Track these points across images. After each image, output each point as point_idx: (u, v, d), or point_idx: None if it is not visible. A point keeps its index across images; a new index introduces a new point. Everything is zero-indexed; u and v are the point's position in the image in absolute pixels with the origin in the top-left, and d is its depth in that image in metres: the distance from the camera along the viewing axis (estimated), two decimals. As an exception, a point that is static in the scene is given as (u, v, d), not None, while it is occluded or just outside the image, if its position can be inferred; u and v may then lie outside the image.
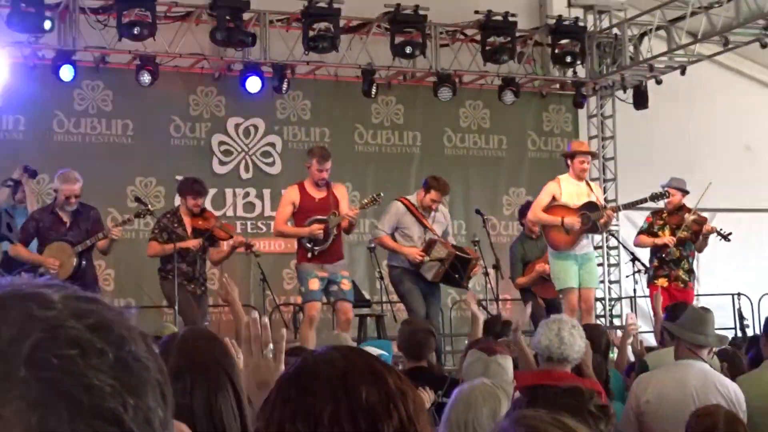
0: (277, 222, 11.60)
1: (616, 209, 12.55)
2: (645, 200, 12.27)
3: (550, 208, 11.84)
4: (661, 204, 12.87)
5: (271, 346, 3.03)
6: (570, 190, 11.88)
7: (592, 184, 12.30)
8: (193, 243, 11.33)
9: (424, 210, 11.78)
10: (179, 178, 14.30)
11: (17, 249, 10.95)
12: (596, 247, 14.64)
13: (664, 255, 12.77)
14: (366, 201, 11.61)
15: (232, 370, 3.13)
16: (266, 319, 3.13)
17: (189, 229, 11.45)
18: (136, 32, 13.25)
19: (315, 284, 11.03)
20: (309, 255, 11.20)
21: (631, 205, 12.49)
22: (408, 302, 11.64)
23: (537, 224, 12.35)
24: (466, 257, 11.83)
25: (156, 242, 11.47)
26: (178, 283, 11.19)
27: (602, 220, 11.80)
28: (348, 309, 11.35)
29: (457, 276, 11.61)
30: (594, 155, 12.61)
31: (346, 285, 11.32)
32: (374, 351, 5.85)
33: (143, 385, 1.03)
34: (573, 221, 11.61)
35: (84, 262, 10.96)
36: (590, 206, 11.75)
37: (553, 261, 11.90)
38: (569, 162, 12.01)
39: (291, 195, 11.45)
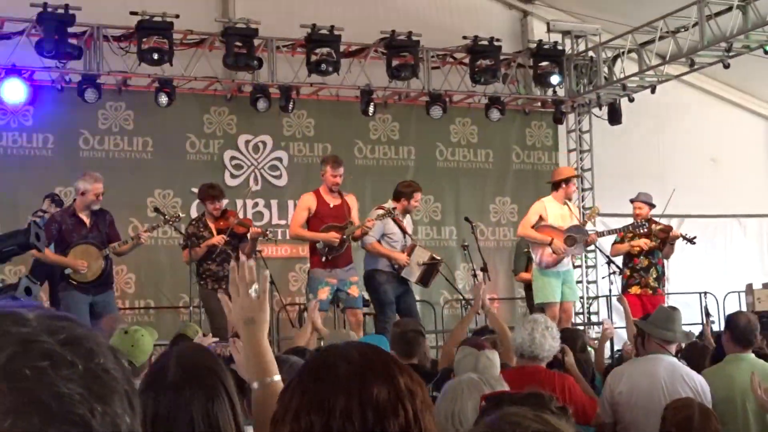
0: (293, 225, 11.50)
1: (600, 235, 12.56)
2: (621, 230, 12.53)
3: (538, 228, 11.86)
4: (630, 219, 12.96)
5: (255, 285, 3.01)
6: (555, 212, 11.95)
7: (570, 205, 12.33)
8: (216, 239, 11.24)
9: (404, 215, 11.76)
10: (194, 190, 14.33)
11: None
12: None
13: (634, 264, 12.77)
14: (381, 214, 11.45)
15: (225, 378, 3.13)
16: (252, 262, 3.11)
17: (214, 232, 11.39)
18: (154, 57, 13.28)
19: (324, 294, 10.92)
20: (323, 259, 11.14)
21: (609, 233, 12.66)
22: (384, 312, 11.46)
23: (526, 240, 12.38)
24: (437, 260, 11.87)
25: (186, 250, 11.41)
26: (210, 288, 11.13)
27: (587, 243, 11.98)
28: (357, 313, 11.35)
29: (428, 275, 11.73)
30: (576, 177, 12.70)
31: (354, 291, 11.25)
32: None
33: (111, 394, 1.05)
34: (559, 245, 11.64)
35: (109, 263, 10.85)
36: (576, 229, 11.83)
37: (538, 276, 11.92)
38: (563, 185, 12.04)
39: (308, 201, 11.38)
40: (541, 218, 11.93)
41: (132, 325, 6.52)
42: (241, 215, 14.33)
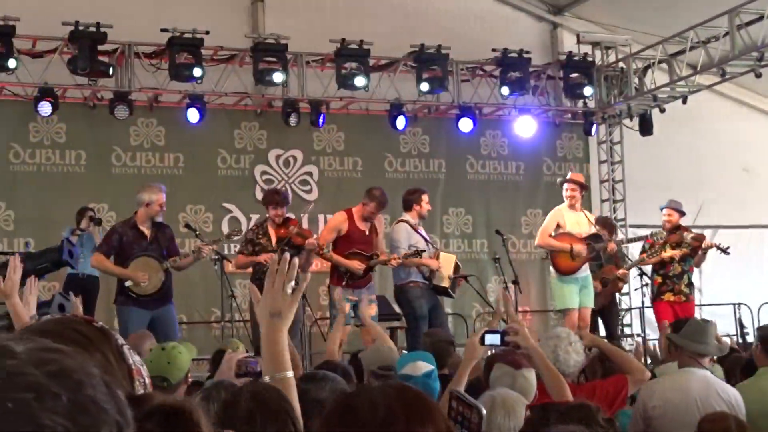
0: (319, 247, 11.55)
1: (620, 243, 12.53)
2: (645, 237, 12.53)
3: (557, 236, 11.90)
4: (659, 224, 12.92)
5: (292, 283, 2.99)
6: (572, 219, 11.99)
7: (587, 213, 12.32)
8: (262, 257, 10.92)
9: (421, 218, 11.79)
10: (225, 205, 14.41)
11: (100, 260, 10.66)
12: (625, 256, 14.55)
13: (666, 271, 12.70)
14: (409, 253, 11.45)
15: (295, 418, 3.13)
16: (296, 260, 3.11)
17: (273, 239, 11.15)
18: (185, 74, 13.36)
19: (346, 308, 10.95)
20: (343, 283, 11.18)
21: (630, 241, 12.65)
22: (417, 326, 11.40)
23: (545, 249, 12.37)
24: (463, 275, 11.93)
25: (242, 255, 11.23)
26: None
27: (605, 251, 11.96)
28: (369, 330, 11.36)
29: (454, 286, 11.76)
30: (583, 186, 12.52)
31: (372, 309, 11.25)
32: (423, 366, 5.82)
33: (98, 426, 1.04)
34: (581, 249, 11.66)
35: (169, 277, 10.74)
36: (595, 237, 11.86)
37: (557, 283, 11.96)
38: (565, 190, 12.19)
39: (339, 222, 11.35)
40: (558, 226, 11.96)
41: (170, 341, 6.49)
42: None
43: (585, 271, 12.09)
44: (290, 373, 3.00)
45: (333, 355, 7.99)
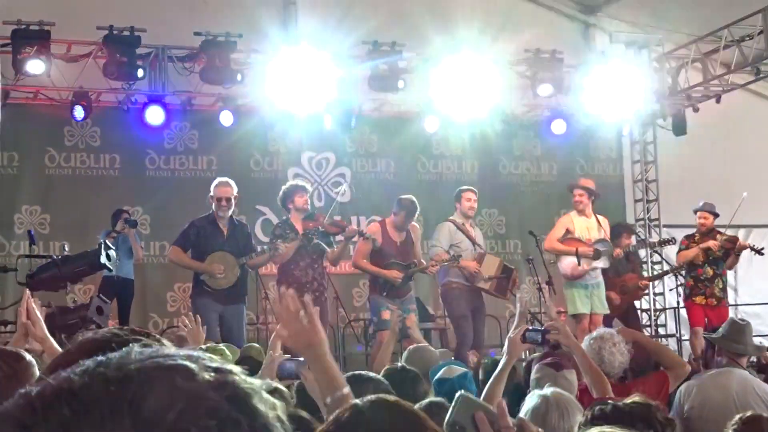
0: (356, 256, 11.54)
1: (626, 248, 12.52)
2: (684, 238, 12.55)
3: (564, 241, 11.96)
4: (694, 229, 12.90)
5: (301, 312, 3.06)
6: (581, 224, 12.06)
7: (600, 218, 12.32)
8: (292, 246, 10.91)
9: (467, 218, 11.83)
10: (259, 207, 14.48)
11: (178, 253, 10.81)
12: (642, 263, 14.54)
13: (698, 274, 12.67)
14: (446, 258, 11.51)
15: None
16: (292, 291, 3.19)
17: (300, 233, 11.06)
18: (218, 77, 13.44)
19: (387, 315, 10.93)
20: (383, 293, 11.20)
21: (662, 243, 12.68)
22: (459, 326, 11.60)
23: (552, 253, 12.41)
24: (509, 267, 11.94)
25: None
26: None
27: (612, 257, 11.98)
28: (412, 342, 11.40)
29: (503, 285, 11.76)
30: (590, 191, 12.50)
31: (410, 320, 11.24)
32: (457, 369, 5.83)
33: None
34: (586, 249, 11.72)
35: (243, 274, 10.82)
36: (602, 242, 11.91)
37: (567, 289, 11.99)
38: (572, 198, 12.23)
39: (373, 233, 11.41)
40: (568, 231, 12.01)
41: (211, 343, 6.52)
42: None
43: (596, 278, 12.09)
44: (347, 389, 3.04)
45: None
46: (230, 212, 10.88)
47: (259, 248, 11.01)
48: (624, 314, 12.67)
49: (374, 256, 11.34)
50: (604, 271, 12.46)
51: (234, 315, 10.73)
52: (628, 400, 3.51)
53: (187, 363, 1.05)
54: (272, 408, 1.07)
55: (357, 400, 2.24)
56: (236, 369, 1.08)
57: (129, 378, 1.02)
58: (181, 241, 10.79)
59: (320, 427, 2.15)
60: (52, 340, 5.01)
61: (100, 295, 10.26)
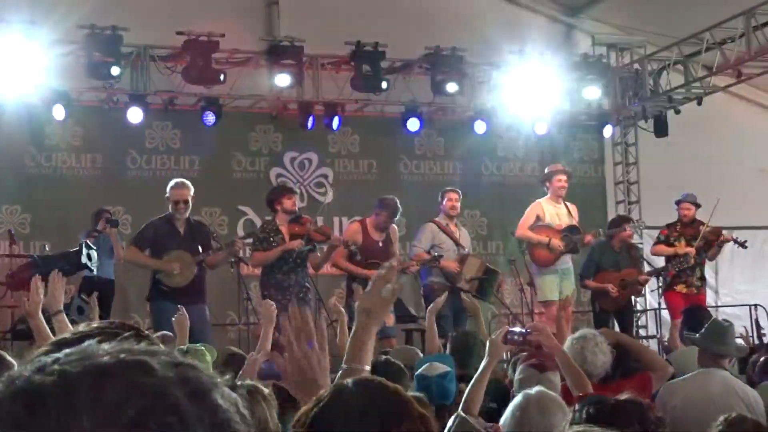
0: (336, 256, 11.54)
1: (597, 234, 12.51)
2: (665, 228, 12.60)
3: (535, 228, 12.03)
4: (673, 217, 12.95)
5: (389, 286, 3.06)
6: (551, 211, 12.15)
7: (569, 205, 12.37)
8: (295, 243, 10.86)
9: (450, 218, 11.83)
10: (241, 208, 14.44)
11: (134, 252, 10.72)
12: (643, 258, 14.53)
13: (680, 263, 12.68)
14: (427, 259, 11.51)
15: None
16: (307, 310, 3.10)
17: (287, 237, 10.98)
18: (200, 76, 13.41)
19: None
20: (361, 293, 11.16)
21: (654, 273, 12.75)
22: (440, 326, 11.56)
23: (523, 241, 12.47)
24: (495, 272, 11.93)
25: (258, 252, 11.06)
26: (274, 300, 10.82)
27: (583, 243, 12.01)
28: (392, 342, 11.36)
29: (486, 287, 11.75)
30: (569, 175, 12.60)
31: (389, 320, 11.22)
32: (439, 366, 5.84)
33: None
34: (557, 243, 11.78)
35: (201, 273, 10.71)
36: (572, 229, 11.95)
37: (537, 276, 12.07)
38: (547, 184, 12.19)
39: (353, 233, 11.38)
40: (538, 218, 12.08)
41: (192, 344, 6.51)
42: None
43: (566, 263, 12.20)
44: (368, 367, 3.02)
45: None
46: (187, 214, 10.73)
47: (215, 245, 10.85)
48: (621, 312, 12.69)
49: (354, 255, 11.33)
50: (603, 266, 12.49)
51: (195, 316, 10.60)
52: (621, 398, 3.51)
53: (147, 358, 1.03)
54: (234, 403, 1.05)
55: (341, 381, 2.22)
56: (198, 364, 1.07)
57: (87, 374, 1.00)
58: (138, 241, 10.69)
59: (303, 408, 2.13)
60: (40, 317, 5.20)
61: (81, 296, 10.21)
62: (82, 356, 1.02)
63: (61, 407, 0.97)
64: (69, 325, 5.30)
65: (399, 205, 11.58)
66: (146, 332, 1.98)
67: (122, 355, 1.03)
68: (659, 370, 6.22)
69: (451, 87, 14.60)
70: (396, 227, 11.97)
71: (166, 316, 9.34)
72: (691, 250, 12.52)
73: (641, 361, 6.38)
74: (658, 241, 13.05)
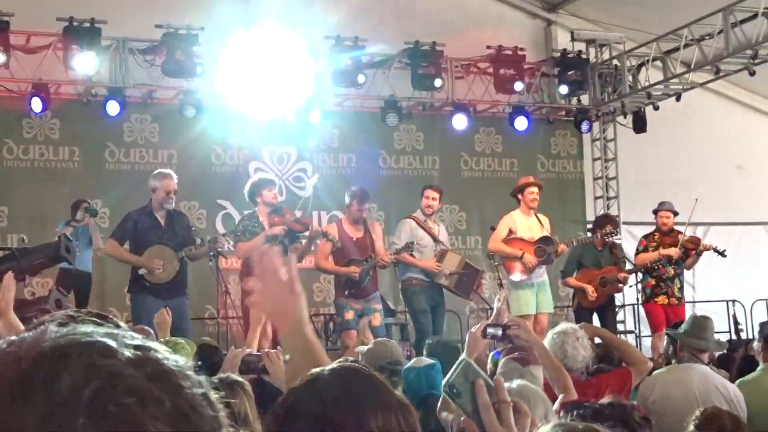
0: (317, 258, 11.44)
1: (570, 244, 12.50)
2: (642, 238, 12.61)
3: (509, 241, 11.97)
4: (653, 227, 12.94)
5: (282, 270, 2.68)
6: (523, 224, 12.06)
7: (540, 216, 12.36)
8: (277, 230, 10.80)
9: (427, 216, 11.80)
10: (220, 201, 14.39)
11: (114, 247, 10.54)
12: (625, 257, 14.56)
13: (660, 274, 12.67)
14: (399, 248, 11.50)
15: None
16: (276, 249, 2.85)
17: (267, 228, 10.91)
18: (179, 70, 13.35)
19: (350, 315, 10.92)
20: (345, 292, 11.16)
21: (631, 272, 12.76)
22: (419, 321, 11.60)
23: (496, 254, 12.40)
24: (474, 269, 11.91)
25: (242, 243, 10.87)
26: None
27: (557, 253, 12.00)
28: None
29: (465, 283, 11.72)
30: (541, 186, 12.59)
31: (376, 320, 11.18)
32: (426, 360, 5.82)
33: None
34: (530, 259, 11.74)
35: (183, 267, 10.59)
36: (545, 240, 11.93)
37: (511, 290, 11.97)
38: (519, 196, 12.16)
39: (330, 233, 11.38)
40: (510, 231, 12.02)
41: (178, 336, 6.47)
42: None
43: (541, 276, 12.12)
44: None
45: None
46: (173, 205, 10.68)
47: (198, 241, 10.79)
48: (602, 309, 12.68)
49: (334, 255, 11.30)
50: (585, 264, 12.49)
51: (177, 308, 10.55)
52: (604, 401, 3.49)
53: (106, 340, 1.01)
54: (198, 386, 1.03)
55: (317, 369, 2.16)
56: (159, 347, 1.04)
57: (42, 356, 0.97)
58: (118, 234, 10.54)
59: (279, 399, 2.09)
60: (12, 315, 5.09)
61: (59, 288, 10.13)
62: (39, 339, 1.00)
63: (16, 391, 0.95)
64: (21, 325, 5.20)
65: (366, 191, 11.54)
66: (118, 321, 1.93)
67: (80, 337, 1.00)
68: (638, 365, 6.22)
69: (437, 82, 14.62)
70: (379, 224, 11.94)
71: (146, 311, 9.29)
72: (675, 251, 12.50)
73: (621, 356, 6.39)
74: (637, 252, 13.01)
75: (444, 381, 1.94)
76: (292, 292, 2.67)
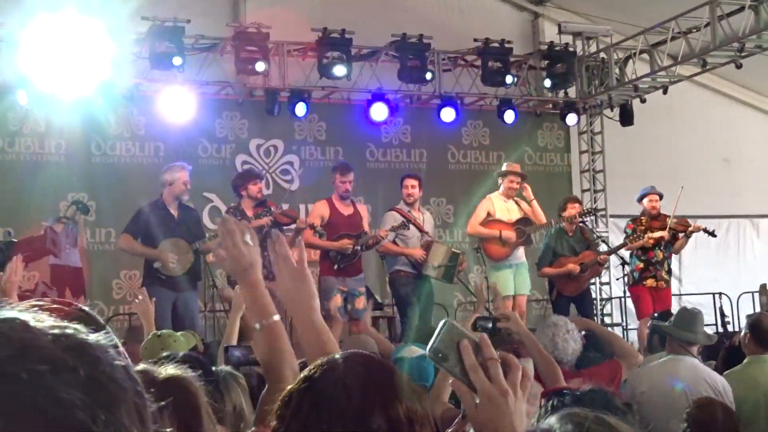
0: (306, 234, 11.50)
1: (549, 224, 12.53)
2: (629, 222, 12.64)
3: (487, 224, 12.04)
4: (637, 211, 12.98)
5: (248, 235, 2.95)
6: (501, 206, 12.18)
7: (519, 201, 12.42)
8: (264, 220, 10.86)
9: (411, 205, 11.80)
10: (206, 194, 14.34)
11: (129, 241, 10.60)
12: (597, 238, 14.57)
13: (649, 257, 12.70)
14: (396, 225, 11.51)
15: None
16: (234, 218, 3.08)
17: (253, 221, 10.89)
18: (166, 62, 13.28)
19: (338, 301, 10.90)
20: (335, 267, 11.14)
21: (615, 250, 12.79)
22: (405, 312, 11.61)
23: (475, 237, 12.50)
24: (456, 252, 11.93)
25: None
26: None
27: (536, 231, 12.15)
28: (360, 324, 11.37)
29: (451, 271, 11.76)
30: (524, 177, 12.67)
31: (360, 303, 11.21)
32: (417, 350, 5.82)
33: (116, 403, 1.01)
34: (510, 235, 11.83)
35: (197, 260, 10.65)
36: (524, 221, 12.01)
37: (491, 271, 12.08)
38: (501, 180, 12.22)
39: (320, 209, 11.37)
40: (489, 214, 12.12)
41: (165, 330, 6.46)
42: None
43: (519, 258, 12.25)
44: (276, 317, 2.96)
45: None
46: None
47: (207, 235, 10.87)
48: (579, 299, 12.71)
49: (325, 230, 11.28)
50: (560, 253, 12.51)
51: (187, 303, 10.60)
52: (585, 388, 3.48)
53: (23, 316, 1.03)
54: (119, 359, 1.04)
55: (332, 355, 2.17)
56: (78, 326, 1.05)
57: None
58: (132, 228, 10.63)
59: (291, 385, 2.08)
60: (16, 297, 5.16)
61: (45, 283, 10.12)
62: None
63: None
64: None
65: (346, 162, 11.73)
66: (91, 312, 1.92)
67: (1, 314, 1.03)
68: (629, 358, 6.23)
69: (428, 75, 14.62)
70: (365, 207, 11.96)
71: (159, 304, 9.27)
72: (665, 233, 12.55)
73: (611, 349, 6.39)
74: (627, 236, 12.99)
75: (428, 346, 1.91)
76: (303, 278, 2.84)
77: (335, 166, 11.71)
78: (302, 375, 2.07)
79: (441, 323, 1.94)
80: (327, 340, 2.85)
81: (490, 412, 1.83)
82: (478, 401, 1.83)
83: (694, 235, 13.09)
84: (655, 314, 9.35)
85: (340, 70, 14.04)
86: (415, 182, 11.91)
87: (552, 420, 1.78)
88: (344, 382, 1.95)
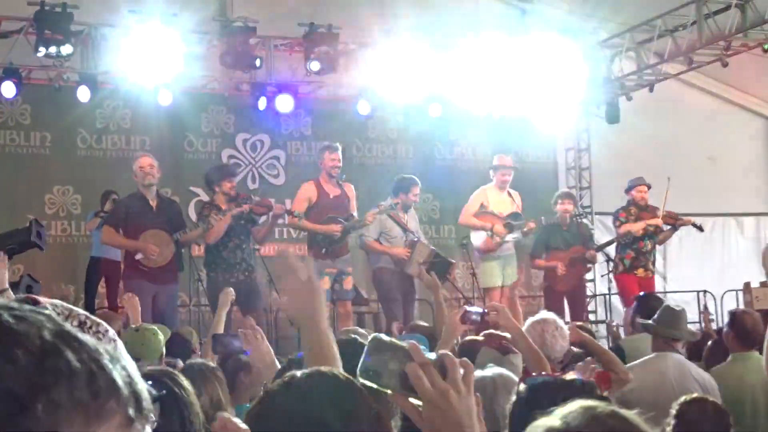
0: (291, 220, 11.52)
1: (538, 222, 12.57)
2: (621, 210, 12.64)
3: (479, 215, 12.14)
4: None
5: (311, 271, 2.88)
6: (495, 199, 12.25)
7: (512, 193, 12.47)
8: (244, 208, 10.86)
9: (406, 208, 11.82)
10: (192, 188, 14.31)
11: (110, 234, 10.60)
12: (591, 234, 14.60)
13: (639, 247, 12.73)
14: (382, 209, 11.53)
15: None
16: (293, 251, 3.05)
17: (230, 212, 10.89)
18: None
19: (326, 284, 10.90)
20: (323, 251, 11.14)
21: (604, 246, 12.82)
22: (389, 309, 11.64)
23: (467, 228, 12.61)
24: (445, 260, 11.91)
25: (211, 229, 10.81)
26: (222, 279, 10.59)
27: (524, 230, 12.19)
28: (347, 305, 11.45)
29: (436, 273, 11.75)
30: (516, 169, 12.82)
31: (347, 284, 11.31)
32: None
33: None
34: (500, 230, 11.92)
35: (177, 252, 10.64)
36: (514, 216, 12.08)
37: (480, 262, 12.21)
38: (492, 173, 12.26)
39: (308, 190, 11.38)
40: (482, 205, 12.19)
41: (143, 323, 6.50)
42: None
43: (509, 250, 12.36)
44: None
45: None
46: (156, 181, 10.69)
47: (189, 224, 10.84)
48: (573, 294, 12.73)
49: (311, 212, 11.28)
50: (553, 245, 12.54)
51: (167, 296, 10.59)
52: (566, 377, 3.46)
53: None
54: (97, 342, 1.09)
55: (294, 372, 2.16)
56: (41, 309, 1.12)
57: None
58: (112, 221, 10.63)
59: (254, 401, 2.08)
60: (10, 293, 5.20)
61: (30, 275, 10.05)
62: None
63: None
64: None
65: (333, 143, 11.78)
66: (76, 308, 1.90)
67: None
68: (621, 375, 6.20)
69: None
70: (352, 186, 11.96)
71: (142, 298, 9.24)
72: (659, 221, 12.62)
73: (604, 366, 6.36)
74: (621, 223, 12.98)
75: (358, 368, 1.87)
76: (311, 291, 2.81)
77: (323, 146, 11.78)
78: (264, 390, 2.08)
79: (369, 339, 1.91)
80: (330, 347, 2.78)
81: (435, 415, 1.84)
82: (421, 408, 1.84)
83: (678, 232, 13.13)
84: (641, 293, 9.41)
85: (324, 65, 13.98)
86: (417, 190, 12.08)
87: (565, 411, 1.76)
88: (300, 397, 1.95)
